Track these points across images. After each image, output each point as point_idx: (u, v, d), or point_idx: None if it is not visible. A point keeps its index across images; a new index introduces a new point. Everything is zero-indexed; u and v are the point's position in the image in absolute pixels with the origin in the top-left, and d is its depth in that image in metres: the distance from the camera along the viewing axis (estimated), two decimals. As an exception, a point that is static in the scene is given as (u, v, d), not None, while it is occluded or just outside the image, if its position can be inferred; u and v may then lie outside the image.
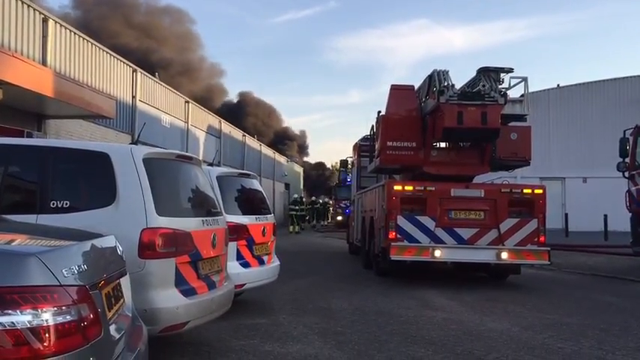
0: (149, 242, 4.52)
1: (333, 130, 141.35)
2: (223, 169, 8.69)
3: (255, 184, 8.59)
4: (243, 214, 7.56)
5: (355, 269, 13.52)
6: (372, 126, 13.85)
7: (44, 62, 13.51)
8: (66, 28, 14.88)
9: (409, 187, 10.75)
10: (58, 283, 2.20)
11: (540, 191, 10.84)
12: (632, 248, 12.95)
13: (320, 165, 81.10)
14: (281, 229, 24.78)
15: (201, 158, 7.46)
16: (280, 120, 72.58)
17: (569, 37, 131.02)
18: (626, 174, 12.92)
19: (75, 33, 15.39)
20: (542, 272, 12.79)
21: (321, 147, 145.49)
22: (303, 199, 40.25)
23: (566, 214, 23.68)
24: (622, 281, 11.68)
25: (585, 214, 23.84)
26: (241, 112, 59.39)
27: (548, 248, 10.58)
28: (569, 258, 15.18)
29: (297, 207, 33.49)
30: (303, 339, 6.15)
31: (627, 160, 12.87)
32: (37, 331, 2.09)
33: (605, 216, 20.73)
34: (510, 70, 10.95)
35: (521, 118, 11.85)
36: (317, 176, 74.76)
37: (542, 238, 10.55)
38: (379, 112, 12.60)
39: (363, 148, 16.67)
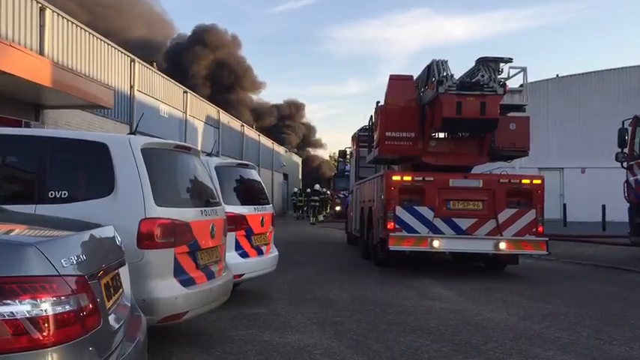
0: (148, 232, 4.52)
1: (332, 120, 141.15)
2: (222, 160, 8.69)
3: (253, 174, 8.58)
4: (242, 204, 7.55)
5: (354, 259, 13.55)
6: (371, 116, 13.83)
7: (42, 52, 13.47)
8: (63, 17, 14.81)
9: (408, 178, 10.74)
10: (57, 273, 2.20)
11: (539, 181, 10.84)
12: (630, 238, 12.99)
13: (294, 106, 68.87)
14: (280, 219, 24.83)
15: (199, 148, 7.45)
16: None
17: (568, 27, 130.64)
18: (625, 164, 12.93)
19: (73, 22, 15.33)
20: (541, 262, 12.83)
21: (320, 137, 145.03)
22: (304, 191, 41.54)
23: (565, 205, 23.70)
24: (620, 271, 11.72)
25: (583, 205, 23.87)
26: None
27: (547, 238, 10.60)
28: (568, 248, 15.23)
29: (317, 197, 35.33)
30: (301, 329, 6.17)
31: (626, 150, 12.88)
32: (36, 321, 2.09)
33: (604, 206, 20.77)
34: (509, 60, 10.91)
35: (520, 108, 11.84)
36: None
37: (540, 229, 10.57)
38: (378, 102, 12.59)
39: (361, 138, 16.66)
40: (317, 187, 37.03)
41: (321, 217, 35.06)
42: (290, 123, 66.99)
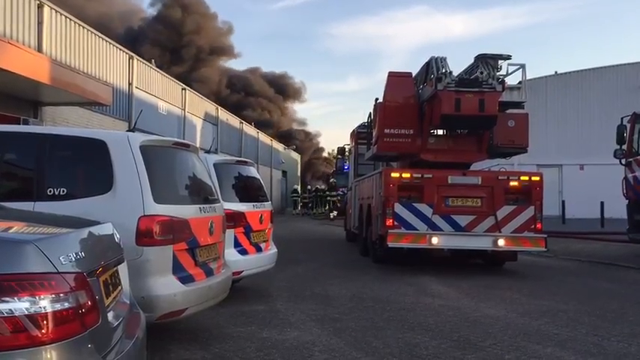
0: (146, 229, 4.52)
1: (332, 117, 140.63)
2: (220, 157, 8.68)
3: (252, 171, 8.58)
4: (241, 201, 7.55)
5: (352, 256, 13.56)
6: (370, 113, 13.82)
7: (40, 49, 13.43)
8: (61, 14, 14.77)
9: (406, 175, 10.75)
10: (56, 271, 2.20)
11: (537, 178, 10.85)
12: (628, 235, 13.01)
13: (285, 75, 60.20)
14: (279, 216, 24.84)
15: (198, 145, 7.45)
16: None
17: (566, 24, 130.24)
18: (623, 161, 12.94)
19: (71, 19, 15.29)
20: (539, 259, 12.84)
21: (320, 134, 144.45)
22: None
23: (563, 202, 23.72)
24: (618, 268, 11.74)
25: (582, 202, 23.89)
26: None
27: (545, 235, 10.61)
28: (566, 245, 15.24)
29: (334, 193, 37.05)
30: (300, 326, 6.18)
31: (624, 147, 12.89)
32: (34, 319, 2.09)
33: (602, 203, 20.79)
34: (508, 57, 10.92)
35: (518, 105, 11.83)
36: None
37: (539, 225, 10.58)
38: (376, 99, 12.58)
39: (360, 135, 16.65)
40: (332, 181, 37.86)
41: (335, 213, 35.47)
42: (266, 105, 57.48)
